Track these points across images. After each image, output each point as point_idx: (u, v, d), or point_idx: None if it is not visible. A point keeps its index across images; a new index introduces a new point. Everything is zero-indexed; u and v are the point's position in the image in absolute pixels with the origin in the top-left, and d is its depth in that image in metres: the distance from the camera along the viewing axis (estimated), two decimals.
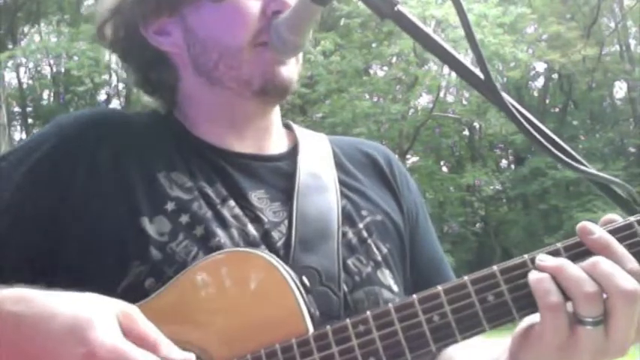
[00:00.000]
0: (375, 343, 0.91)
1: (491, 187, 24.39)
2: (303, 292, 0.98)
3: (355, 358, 0.91)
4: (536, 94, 26.42)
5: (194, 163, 1.15)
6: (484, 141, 25.46)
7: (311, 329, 0.95)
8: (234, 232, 1.08)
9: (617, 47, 24.66)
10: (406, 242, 1.24)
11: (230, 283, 0.99)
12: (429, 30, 0.96)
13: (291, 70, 1.16)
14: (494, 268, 0.92)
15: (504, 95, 0.94)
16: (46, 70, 25.50)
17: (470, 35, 0.91)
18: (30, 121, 25.45)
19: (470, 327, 0.90)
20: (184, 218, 1.07)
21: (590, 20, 22.11)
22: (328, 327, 0.93)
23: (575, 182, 19.49)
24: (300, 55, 1.21)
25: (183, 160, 1.15)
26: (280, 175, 1.20)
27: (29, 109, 25.66)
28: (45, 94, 26.12)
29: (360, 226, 1.18)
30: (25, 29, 24.36)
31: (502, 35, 17.63)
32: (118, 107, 23.32)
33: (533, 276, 0.89)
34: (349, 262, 1.12)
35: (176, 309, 0.99)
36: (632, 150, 24.05)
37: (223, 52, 1.14)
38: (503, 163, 27.00)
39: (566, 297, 0.87)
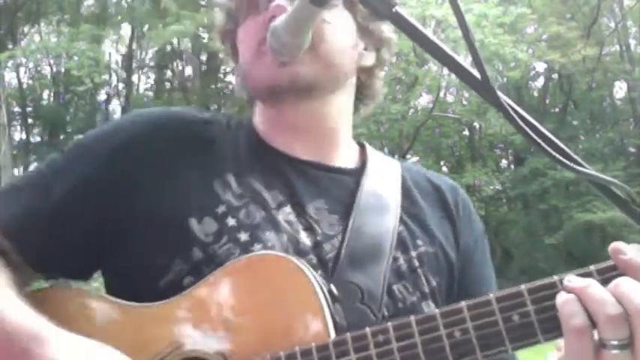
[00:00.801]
0: (393, 354, 0.91)
1: (491, 187, 24.34)
2: (329, 299, 0.98)
3: None
4: (536, 94, 26.38)
5: (256, 168, 1.17)
6: (484, 141, 25.43)
7: (332, 335, 0.95)
8: (285, 237, 1.09)
9: (617, 47, 24.62)
10: (455, 278, 1.23)
11: (258, 285, 1.01)
12: (427, 31, 0.96)
13: (297, 67, 1.15)
14: (522, 287, 0.90)
15: (501, 95, 0.93)
16: (46, 70, 25.46)
17: (466, 35, 0.90)
18: (30, 121, 25.41)
19: (491, 345, 0.89)
20: (231, 221, 1.09)
21: (590, 20, 22.08)
22: (348, 334, 0.93)
23: (575, 182, 19.45)
24: (325, 49, 1.19)
25: (247, 164, 1.17)
26: (343, 188, 1.21)
27: (29, 109, 25.61)
28: (45, 94, 26.08)
29: (413, 254, 1.17)
30: (25, 29, 24.34)
31: (502, 35, 17.54)
32: (118, 107, 23.35)
33: (560, 297, 0.87)
34: (395, 287, 1.12)
35: (204, 307, 1.01)
36: (632, 150, 24.00)
37: (241, 65, 1.23)
38: (503, 163, 26.95)
39: (593, 320, 0.85)
